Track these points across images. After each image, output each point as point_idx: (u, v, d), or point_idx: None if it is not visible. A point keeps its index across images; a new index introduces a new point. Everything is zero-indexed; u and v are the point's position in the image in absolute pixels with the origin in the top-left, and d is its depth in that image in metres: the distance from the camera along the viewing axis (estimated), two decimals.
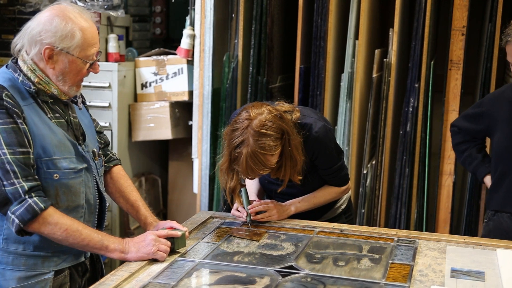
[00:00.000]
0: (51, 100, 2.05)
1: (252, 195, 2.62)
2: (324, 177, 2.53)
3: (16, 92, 1.97)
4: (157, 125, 4.00)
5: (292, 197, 2.54)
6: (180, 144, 4.24)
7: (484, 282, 1.93)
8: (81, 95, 2.16)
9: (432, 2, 3.31)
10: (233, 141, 2.26)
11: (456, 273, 1.99)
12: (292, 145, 2.31)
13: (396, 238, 2.29)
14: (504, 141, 2.54)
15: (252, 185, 2.68)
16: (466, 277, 1.96)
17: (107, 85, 3.83)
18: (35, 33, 1.98)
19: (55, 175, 2.00)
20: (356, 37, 3.43)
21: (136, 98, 4.04)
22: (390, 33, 3.40)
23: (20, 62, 2.03)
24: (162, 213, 4.45)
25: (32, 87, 2.00)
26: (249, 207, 2.46)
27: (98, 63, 2.10)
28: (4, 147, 1.90)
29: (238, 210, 2.50)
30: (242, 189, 2.46)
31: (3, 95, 1.92)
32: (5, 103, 1.91)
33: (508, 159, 2.55)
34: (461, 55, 3.31)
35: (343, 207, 2.66)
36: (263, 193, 2.69)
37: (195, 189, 3.86)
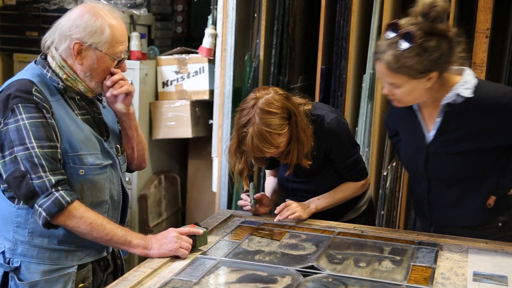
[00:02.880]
0: (78, 97, 2.07)
1: (268, 194, 2.63)
2: (341, 171, 2.53)
3: (45, 88, 2.00)
4: (177, 124, 4.02)
5: (310, 194, 2.55)
6: (200, 143, 4.26)
7: (507, 286, 1.92)
8: None
9: (456, 3, 3.28)
10: (241, 120, 2.31)
11: (478, 276, 1.98)
12: (299, 127, 2.33)
13: (417, 241, 2.28)
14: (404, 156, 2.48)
15: (268, 185, 2.70)
16: (488, 281, 1.95)
17: (128, 83, 3.84)
18: (65, 29, 2.01)
19: (81, 170, 2.03)
20: (379, 38, 3.41)
21: (157, 96, 4.06)
22: None
23: (49, 59, 2.06)
24: (181, 212, 4.47)
25: (60, 83, 2.03)
26: (255, 195, 2.49)
27: None
28: (33, 140, 1.92)
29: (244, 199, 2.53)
30: (251, 184, 2.48)
31: (33, 90, 1.95)
32: (34, 97, 1.95)
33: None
34: (484, 58, 3.28)
35: (364, 207, 2.65)
36: (279, 194, 2.69)
37: (214, 188, 3.87)
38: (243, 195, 2.54)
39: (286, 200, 2.53)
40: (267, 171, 2.76)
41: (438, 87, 2.17)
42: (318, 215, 2.53)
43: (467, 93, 2.15)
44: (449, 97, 2.17)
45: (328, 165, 2.51)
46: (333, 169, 2.53)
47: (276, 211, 2.46)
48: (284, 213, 2.43)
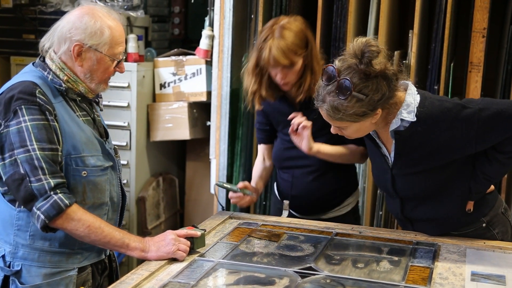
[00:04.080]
0: (79, 98, 2.08)
1: (255, 179, 2.69)
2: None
3: (47, 90, 2.01)
4: (175, 125, 4.01)
5: (309, 168, 2.58)
6: (197, 145, 4.25)
7: (505, 286, 1.92)
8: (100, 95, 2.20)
9: (453, 3, 3.29)
10: (260, 38, 2.43)
11: (476, 276, 1.98)
12: (314, 56, 2.44)
13: (415, 241, 2.28)
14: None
15: (255, 171, 2.75)
16: (486, 281, 1.95)
17: (126, 85, 3.85)
18: (65, 31, 2.02)
19: (83, 172, 2.03)
20: (375, 37, 3.41)
21: (154, 98, 4.06)
22: (410, 35, 3.38)
23: (48, 61, 2.06)
24: (179, 213, 4.47)
25: (62, 85, 2.04)
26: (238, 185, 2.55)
27: None
28: (34, 143, 1.93)
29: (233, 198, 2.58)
30: (218, 183, 2.63)
31: (37, 92, 1.96)
32: (38, 99, 1.95)
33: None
34: (481, 58, 3.29)
35: (352, 205, 2.67)
36: (265, 181, 2.72)
37: (212, 190, 3.87)
38: (231, 194, 2.59)
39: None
40: (259, 151, 2.76)
41: (385, 113, 2.14)
42: (305, 209, 2.59)
43: (410, 117, 2.10)
44: (394, 124, 2.13)
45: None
46: (333, 140, 2.52)
47: (290, 117, 2.45)
48: (298, 119, 2.42)
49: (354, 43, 2.05)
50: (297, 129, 2.41)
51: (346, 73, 2.03)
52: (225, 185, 2.62)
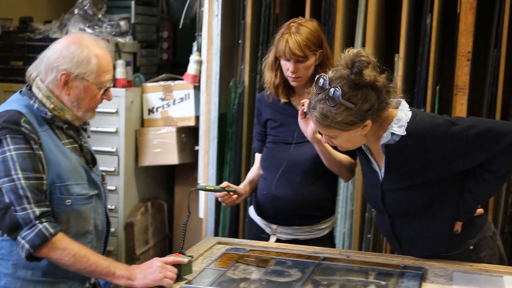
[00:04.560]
0: (66, 126, 2.09)
1: (247, 180, 2.74)
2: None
3: (33, 118, 2.01)
4: (163, 150, 4.02)
5: (299, 170, 2.60)
6: (186, 169, 4.25)
7: None
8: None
9: (438, 27, 3.33)
10: (278, 34, 2.55)
11: None
12: (327, 57, 2.57)
13: (402, 265, 2.28)
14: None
15: (249, 174, 2.78)
16: None
17: (114, 110, 3.86)
18: (51, 60, 2.03)
19: (67, 200, 2.03)
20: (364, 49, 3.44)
21: (143, 123, 4.07)
22: (395, 59, 3.42)
23: (34, 89, 2.07)
24: (168, 238, 4.45)
25: (48, 113, 2.04)
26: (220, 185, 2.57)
27: None
28: (19, 172, 1.93)
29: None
30: (199, 187, 2.71)
31: (21, 121, 1.96)
32: (23, 129, 1.95)
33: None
34: (466, 81, 3.32)
35: (328, 230, 2.68)
36: (256, 184, 2.73)
37: (201, 214, 3.86)
38: (216, 194, 2.61)
39: None
40: (256, 159, 2.78)
41: (377, 127, 2.17)
42: (286, 214, 2.61)
43: (401, 131, 2.14)
44: (385, 138, 2.16)
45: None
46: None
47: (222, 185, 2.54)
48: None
49: (345, 54, 2.10)
50: (305, 114, 2.43)
51: (336, 82, 2.07)
52: (207, 187, 2.68)
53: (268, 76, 2.62)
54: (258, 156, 2.79)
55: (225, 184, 2.58)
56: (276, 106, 2.66)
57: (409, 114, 2.18)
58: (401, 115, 2.17)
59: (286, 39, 2.49)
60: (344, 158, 2.57)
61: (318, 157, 2.54)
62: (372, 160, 2.29)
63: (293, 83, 2.57)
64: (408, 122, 2.15)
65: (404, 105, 2.21)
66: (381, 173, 2.26)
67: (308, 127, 2.45)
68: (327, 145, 2.50)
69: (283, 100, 2.62)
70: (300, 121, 2.46)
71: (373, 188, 2.31)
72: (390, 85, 2.16)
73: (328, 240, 2.70)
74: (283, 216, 2.63)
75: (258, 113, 2.75)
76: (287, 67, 2.53)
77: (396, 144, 2.16)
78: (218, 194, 2.59)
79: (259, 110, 2.74)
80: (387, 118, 2.16)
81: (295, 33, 2.49)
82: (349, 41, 3.55)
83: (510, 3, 3.18)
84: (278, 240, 2.64)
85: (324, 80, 2.09)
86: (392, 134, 2.15)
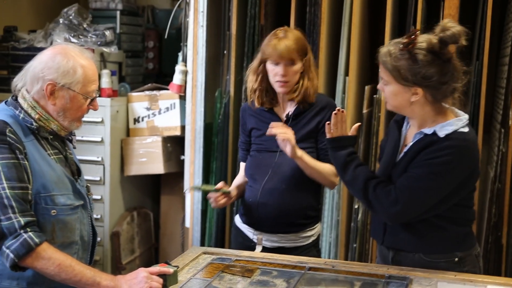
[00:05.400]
0: (51, 137, 2.09)
1: (233, 186, 2.75)
2: (322, 152, 2.60)
3: (18, 129, 2.01)
4: (149, 160, 4.02)
5: (284, 177, 2.61)
6: (172, 179, 4.25)
7: None
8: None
9: None
10: (265, 41, 2.59)
11: None
12: (310, 64, 2.60)
13: (387, 275, 2.29)
14: None
15: (235, 180, 2.80)
16: None
17: (99, 120, 3.86)
18: (37, 71, 2.04)
19: (52, 211, 2.03)
20: (346, 73, 3.48)
21: (128, 132, 4.07)
22: (379, 70, 3.45)
23: (20, 100, 2.07)
24: (154, 248, 4.44)
25: (33, 123, 2.04)
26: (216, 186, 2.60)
27: None
28: (4, 181, 1.93)
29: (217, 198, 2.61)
30: (195, 186, 2.74)
31: (7, 131, 1.97)
32: (8, 138, 1.96)
33: None
34: None
35: (313, 238, 2.69)
36: (242, 190, 2.75)
37: (187, 223, 3.87)
38: (210, 194, 2.63)
39: None
40: (241, 168, 2.80)
41: (427, 114, 2.20)
42: (271, 222, 2.62)
43: (442, 132, 2.17)
44: (426, 131, 2.20)
45: (311, 147, 2.61)
46: (314, 154, 2.60)
47: (271, 126, 2.52)
48: (278, 129, 2.49)
49: (444, 21, 2.16)
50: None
51: (421, 39, 2.14)
52: (202, 187, 2.67)
53: (249, 80, 2.65)
54: (242, 165, 2.80)
55: (221, 184, 2.61)
56: (260, 115, 2.68)
57: (462, 124, 2.19)
58: (455, 122, 2.19)
59: (274, 43, 2.52)
60: (327, 168, 2.59)
61: None
62: (402, 140, 2.33)
63: (280, 89, 2.58)
64: (454, 132, 2.17)
65: (464, 119, 2.22)
66: (399, 157, 2.30)
67: (286, 147, 2.47)
68: (307, 159, 2.53)
69: (257, 105, 2.64)
70: (279, 140, 2.48)
71: (385, 168, 2.34)
72: (462, 77, 2.19)
73: (313, 248, 2.71)
74: (269, 223, 2.64)
75: (243, 123, 2.77)
76: (276, 71, 2.54)
77: (428, 142, 2.18)
78: (212, 195, 2.60)
79: (244, 120, 2.76)
80: (441, 116, 2.20)
81: (283, 38, 2.53)
82: (333, 52, 3.58)
83: (491, 16, 3.22)
84: (264, 248, 2.65)
85: (412, 34, 2.14)
86: (434, 133, 2.18)
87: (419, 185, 2.18)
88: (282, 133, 2.48)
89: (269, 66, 2.56)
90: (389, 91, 2.21)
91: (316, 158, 2.60)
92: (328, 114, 2.54)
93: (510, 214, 3.33)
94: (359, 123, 2.45)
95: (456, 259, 2.32)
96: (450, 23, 2.15)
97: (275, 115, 2.66)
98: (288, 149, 2.48)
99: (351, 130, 2.38)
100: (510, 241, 3.36)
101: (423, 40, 2.14)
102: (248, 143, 2.75)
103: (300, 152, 2.51)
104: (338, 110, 2.35)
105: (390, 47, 2.19)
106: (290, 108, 2.64)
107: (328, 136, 2.36)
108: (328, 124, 2.36)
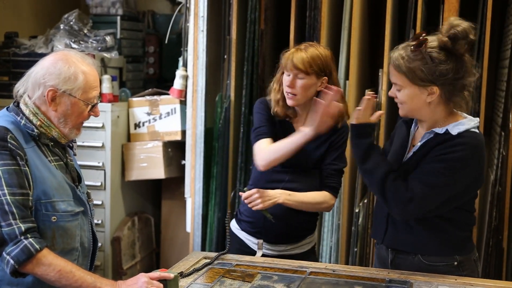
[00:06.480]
0: (52, 143, 2.09)
1: None
2: (325, 173, 2.59)
3: (19, 135, 2.02)
4: (150, 165, 4.02)
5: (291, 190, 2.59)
6: (173, 183, 4.26)
7: None
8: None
9: None
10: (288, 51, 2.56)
11: None
12: (335, 84, 2.51)
13: (388, 279, 2.29)
14: None
15: None
16: None
17: (100, 125, 3.86)
18: (38, 77, 2.04)
19: (53, 217, 2.03)
20: (347, 77, 3.48)
21: (129, 137, 4.07)
22: (379, 74, 3.46)
23: (22, 106, 2.08)
24: (155, 252, 4.44)
25: (34, 130, 2.05)
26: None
27: None
28: (5, 187, 1.93)
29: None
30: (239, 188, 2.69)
31: (8, 137, 1.97)
32: (9, 145, 1.96)
33: None
34: None
35: (311, 245, 2.72)
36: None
37: (188, 228, 3.87)
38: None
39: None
40: (264, 143, 2.73)
41: (439, 115, 2.22)
42: (275, 234, 2.62)
43: (454, 131, 2.19)
44: (437, 130, 2.21)
45: (318, 166, 2.60)
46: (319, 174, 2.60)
47: (244, 198, 2.49)
48: (259, 200, 2.47)
49: (451, 20, 2.16)
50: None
51: (430, 40, 2.15)
52: (243, 189, 2.56)
53: (273, 90, 2.62)
54: (267, 142, 2.57)
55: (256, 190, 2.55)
56: (277, 122, 2.62)
57: (472, 126, 2.21)
58: (467, 122, 2.21)
59: (291, 54, 2.52)
60: (318, 197, 2.59)
61: (310, 178, 2.59)
62: (410, 140, 2.33)
63: (288, 101, 2.54)
64: (467, 130, 2.19)
65: (475, 120, 2.24)
66: (407, 156, 2.31)
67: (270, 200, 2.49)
68: (294, 200, 2.54)
69: (280, 115, 2.59)
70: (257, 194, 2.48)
71: (394, 161, 2.34)
72: (474, 71, 2.21)
73: (312, 254, 2.72)
74: (273, 233, 2.64)
75: (265, 113, 2.62)
76: (286, 81, 2.52)
77: (437, 140, 2.19)
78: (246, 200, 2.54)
79: (267, 111, 2.62)
80: (451, 117, 2.22)
81: (302, 50, 2.51)
82: (334, 56, 3.58)
83: (491, 19, 3.23)
84: (263, 255, 2.65)
85: (420, 36, 2.15)
86: (446, 133, 2.19)
87: (436, 181, 2.18)
88: (253, 203, 2.47)
89: (284, 76, 2.55)
90: (405, 95, 2.21)
91: (320, 161, 2.60)
92: (342, 135, 2.58)
93: (511, 217, 3.33)
94: (382, 111, 2.43)
95: (456, 263, 2.32)
96: (456, 20, 2.16)
97: (291, 127, 2.60)
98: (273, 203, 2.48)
99: (374, 117, 2.34)
100: (510, 244, 3.36)
101: (433, 39, 2.16)
102: (271, 121, 2.62)
103: (278, 200, 2.51)
104: (371, 95, 2.31)
105: (400, 51, 2.19)
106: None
107: (354, 121, 2.32)
108: (358, 109, 2.31)
